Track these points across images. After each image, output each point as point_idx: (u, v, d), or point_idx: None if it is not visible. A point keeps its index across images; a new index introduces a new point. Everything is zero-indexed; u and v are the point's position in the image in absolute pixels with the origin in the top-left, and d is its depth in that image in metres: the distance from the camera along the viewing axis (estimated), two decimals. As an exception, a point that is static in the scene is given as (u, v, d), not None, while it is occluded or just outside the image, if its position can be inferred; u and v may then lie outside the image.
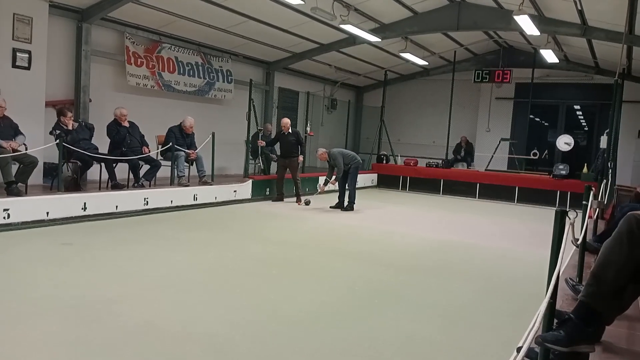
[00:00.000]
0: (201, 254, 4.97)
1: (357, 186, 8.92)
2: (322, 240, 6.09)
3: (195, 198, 7.87)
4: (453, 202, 11.10)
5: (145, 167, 7.57)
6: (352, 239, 6.28)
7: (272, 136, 10.14)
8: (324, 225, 7.17)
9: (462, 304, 3.90)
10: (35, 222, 5.79)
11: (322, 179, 9.98)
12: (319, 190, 9.07)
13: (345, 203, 8.68)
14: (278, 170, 9.28)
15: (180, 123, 8.25)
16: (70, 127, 6.77)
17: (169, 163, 7.90)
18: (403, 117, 15.69)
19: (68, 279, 3.94)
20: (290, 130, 9.05)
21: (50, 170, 7.18)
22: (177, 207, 7.54)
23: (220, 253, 5.09)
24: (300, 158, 9.10)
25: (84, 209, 6.29)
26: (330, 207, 8.75)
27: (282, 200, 9.26)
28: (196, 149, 8.28)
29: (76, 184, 6.66)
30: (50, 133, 6.68)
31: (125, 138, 7.36)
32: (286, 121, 9.09)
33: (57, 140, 6.42)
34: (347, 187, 8.68)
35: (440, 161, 12.71)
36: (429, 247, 6.03)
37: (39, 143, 6.71)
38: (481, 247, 6.23)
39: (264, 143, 9.33)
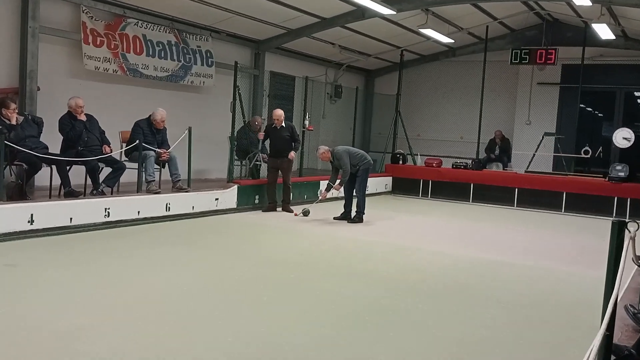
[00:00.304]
0: (175, 276, 4.97)
1: (367, 192, 8.96)
2: (324, 258, 6.10)
3: (167, 208, 7.89)
4: (485, 211, 11.11)
5: (106, 170, 7.60)
6: (360, 257, 6.29)
7: (259, 130, 10.22)
8: (327, 240, 7.18)
9: (492, 336, 3.89)
10: (-29, 239, 5.81)
11: (324, 184, 10.01)
12: (320, 197, 9.10)
13: (353, 213, 8.69)
14: (269, 173, 9.30)
15: (150, 116, 8.27)
16: (13, 122, 6.79)
17: (136, 165, 7.91)
18: (424, 108, 15.74)
19: (11, 309, 3.94)
20: (283, 124, 9.08)
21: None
22: (145, 219, 7.54)
23: (198, 275, 5.09)
24: (292, 154, 9.14)
25: (31, 222, 6.28)
26: (335, 218, 8.77)
27: (275, 210, 9.28)
28: (169, 147, 8.29)
29: (21, 192, 6.66)
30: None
31: (81, 135, 7.37)
32: (279, 113, 9.13)
33: (-2, 138, 6.43)
34: (354, 193, 8.70)
35: (470, 161, 12.74)
36: (454, 266, 6.05)
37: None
38: (518, 266, 6.25)
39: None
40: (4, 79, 8.09)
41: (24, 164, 6.75)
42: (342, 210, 8.79)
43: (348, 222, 8.61)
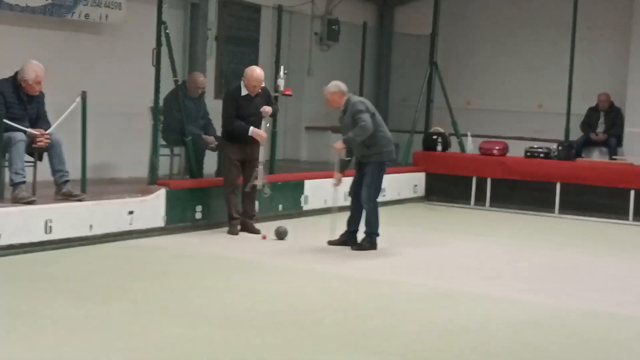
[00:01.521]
0: (64, 349, 4.91)
1: (383, 199, 8.88)
2: (311, 313, 6.06)
3: (48, 229, 7.83)
4: (582, 228, 11.13)
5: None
6: (372, 310, 6.26)
7: (201, 96, 10.19)
8: (316, 282, 7.13)
9: None
10: None
11: (314, 186, 9.93)
12: (336, 183, 8.90)
13: (360, 235, 8.68)
14: (228, 168, 9.29)
15: (16, 74, 8.21)
16: None
17: (-7, 156, 7.85)
18: (476, 58, 15.76)
19: None
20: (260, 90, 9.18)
21: None
22: (10, 247, 7.51)
23: (102, 345, 5.02)
24: (267, 109, 9.20)
25: None
26: (330, 243, 8.73)
27: (237, 232, 9.27)
28: (49, 125, 8.27)
29: None
30: None
31: None
32: (260, 75, 9.12)
33: None
34: (362, 201, 8.69)
35: (555, 146, 12.76)
36: (536, 321, 6.04)
37: None
38: (634, 319, 6.26)
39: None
40: None
41: None
42: (343, 229, 8.78)
43: (352, 249, 8.60)
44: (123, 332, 5.33)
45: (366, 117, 8.47)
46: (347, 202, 8.99)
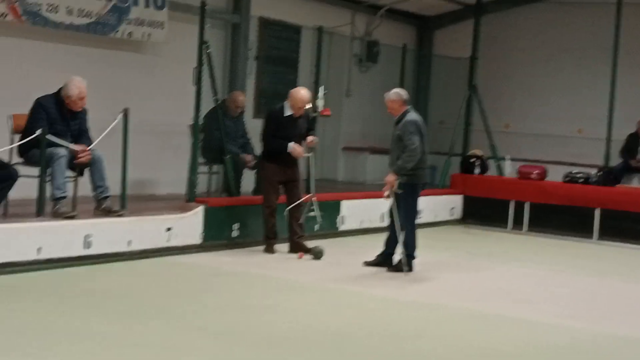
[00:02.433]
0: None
1: (419, 221, 8.85)
2: (348, 335, 6.01)
3: (87, 244, 7.86)
4: (621, 255, 11.03)
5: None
6: (410, 333, 6.20)
7: (240, 115, 10.20)
8: (354, 302, 7.11)
9: None
10: None
11: (350, 206, 9.88)
12: (387, 193, 8.71)
13: (397, 256, 8.62)
14: (267, 190, 9.27)
15: (60, 90, 8.27)
16: None
17: (35, 171, 7.93)
18: (515, 81, 15.68)
19: None
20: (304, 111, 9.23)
21: None
22: (49, 261, 7.53)
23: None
24: (313, 140, 9.22)
25: None
26: (367, 263, 8.72)
27: (273, 250, 9.26)
28: (90, 142, 8.31)
29: None
30: None
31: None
32: (306, 97, 9.12)
33: None
34: (399, 222, 8.61)
35: (595, 171, 12.66)
36: (574, 346, 6.02)
37: None
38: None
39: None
40: None
41: None
42: (380, 250, 8.76)
43: (388, 270, 8.57)
44: (159, 349, 5.34)
45: (416, 139, 8.39)
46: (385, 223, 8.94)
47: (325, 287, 7.74)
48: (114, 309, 6.32)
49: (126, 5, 10.66)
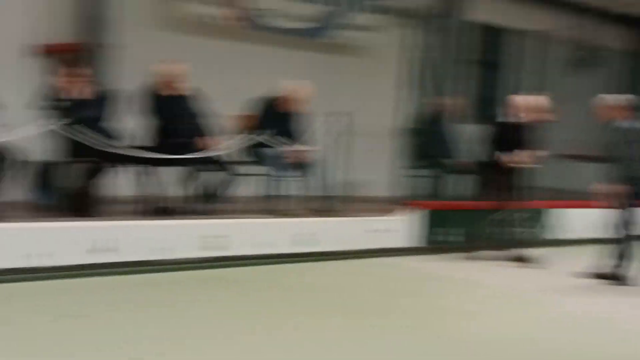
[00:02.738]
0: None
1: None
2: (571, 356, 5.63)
3: (314, 241, 8.16)
4: None
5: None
6: (621, 355, 5.69)
7: (455, 120, 10.16)
8: (568, 316, 6.75)
9: None
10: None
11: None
12: None
13: (616, 269, 8.13)
14: (486, 184, 9.23)
15: (276, 93, 8.60)
16: (82, 96, 7.31)
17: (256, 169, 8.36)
18: None
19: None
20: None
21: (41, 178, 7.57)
22: (279, 256, 7.85)
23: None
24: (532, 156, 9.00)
25: (93, 251, 6.75)
26: (582, 275, 8.22)
27: (489, 258, 9.11)
28: (307, 143, 8.62)
29: (84, 202, 7.12)
30: (42, 107, 7.19)
31: (173, 119, 7.78)
32: (530, 102, 9.08)
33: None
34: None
35: None
36: None
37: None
38: None
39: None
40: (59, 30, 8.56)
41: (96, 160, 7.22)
42: (600, 261, 8.27)
43: (607, 283, 8.10)
44: (376, 348, 5.36)
45: (625, 149, 8.10)
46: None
47: (542, 297, 7.46)
48: (327, 305, 6.46)
49: (341, 9, 10.79)
